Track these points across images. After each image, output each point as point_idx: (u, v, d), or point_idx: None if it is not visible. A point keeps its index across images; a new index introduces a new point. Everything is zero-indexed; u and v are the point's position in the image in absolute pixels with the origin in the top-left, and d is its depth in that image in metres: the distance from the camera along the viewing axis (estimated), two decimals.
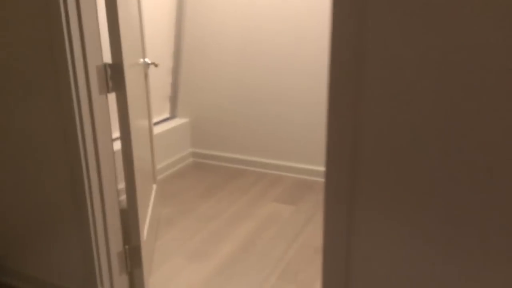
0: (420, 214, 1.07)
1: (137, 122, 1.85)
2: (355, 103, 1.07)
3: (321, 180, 3.02)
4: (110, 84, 1.58)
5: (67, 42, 1.41)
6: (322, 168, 3.01)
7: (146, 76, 2.42)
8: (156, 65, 2.23)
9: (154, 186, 2.47)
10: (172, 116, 3.42)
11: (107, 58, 1.63)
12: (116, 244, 1.74)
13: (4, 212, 1.83)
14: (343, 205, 1.14)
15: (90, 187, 1.57)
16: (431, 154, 1.02)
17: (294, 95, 2.97)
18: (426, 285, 1.12)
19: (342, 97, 1.08)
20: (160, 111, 3.31)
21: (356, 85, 1.04)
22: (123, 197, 2.59)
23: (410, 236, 1.10)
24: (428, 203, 1.05)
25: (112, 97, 1.91)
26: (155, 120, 3.25)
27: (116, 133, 2.62)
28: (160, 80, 3.25)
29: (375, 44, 1.00)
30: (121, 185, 2.65)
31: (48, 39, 1.44)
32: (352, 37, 1.02)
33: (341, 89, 1.07)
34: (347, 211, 1.14)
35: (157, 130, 3.12)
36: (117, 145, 2.33)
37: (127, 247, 1.79)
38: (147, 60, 2.29)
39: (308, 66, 2.88)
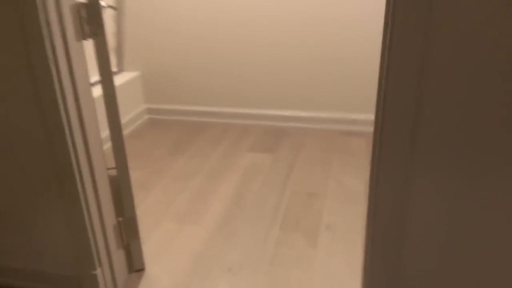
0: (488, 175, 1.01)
1: None
2: (423, 46, 0.94)
3: (294, 125, 2.92)
4: (87, 29, 1.29)
5: None
6: (293, 113, 2.90)
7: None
8: (115, 9, 1.91)
9: None
10: (119, 70, 3.07)
11: None
12: (110, 216, 1.52)
13: None
14: (401, 152, 1.04)
15: (75, 150, 1.31)
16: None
17: (257, 37, 2.77)
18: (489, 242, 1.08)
19: (409, 40, 0.94)
20: None
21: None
22: None
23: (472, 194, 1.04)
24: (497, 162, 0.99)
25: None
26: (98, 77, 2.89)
27: None
28: None
29: None
30: None
31: None
32: None
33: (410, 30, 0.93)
34: (405, 160, 1.04)
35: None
36: None
37: (121, 219, 1.58)
38: (102, 3, 1.95)
39: (273, 3, 2.68)
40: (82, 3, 1.27)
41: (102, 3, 1.98)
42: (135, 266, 1.69)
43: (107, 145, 2.11)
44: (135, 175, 2.38)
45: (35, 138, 1.32)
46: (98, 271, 1.48)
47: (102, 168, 1.45)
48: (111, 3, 2.91)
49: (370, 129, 2.80)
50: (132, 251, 1.66)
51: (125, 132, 2.92)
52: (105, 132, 1.78)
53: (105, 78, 1.38)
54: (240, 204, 2.09)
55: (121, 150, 1.49)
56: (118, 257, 1.59)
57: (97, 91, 1.55)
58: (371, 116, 2.78)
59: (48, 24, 1.16)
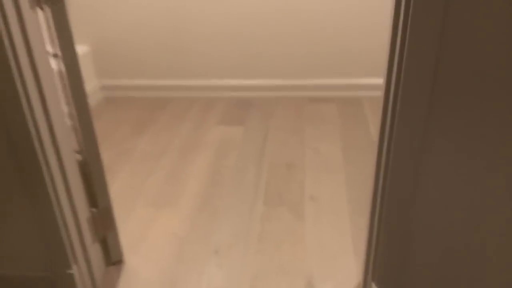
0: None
1: None
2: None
3: (260, 94, 2.79)
4: None
5: None
6: (258, 82, 2.77)
7: None
8: None
9: None
10: None
11: None
12: (83, 207, 1.35)
13: None
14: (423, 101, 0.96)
15: (37, 130, 1.12)
16: None
17: (217, 4, 2.59)
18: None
19: None
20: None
21: None
22: None
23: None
24: None
25: None
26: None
27: None
28: None
29: None
30: None
31: None
32: None
33: None
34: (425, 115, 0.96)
35: None
36: None
37: (94, 210, 1.41)
38: None
39: None
40: None
41: None
42: (113, 258, 1.54)
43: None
44: None
45: None
46: (74, 269, 1.33)
47: (69, 151, 1.28)
48: None
49: (339, 93, 2.73)
50: (108, 243, 1.51)
51: None
52: None
53: (67, 48, 1.19)
54: (218, 182, 1.97)
55: (90, 129, 1.32)
56: (95, 251, 1.43)
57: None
58: (339, 81, 2.71)
59: None
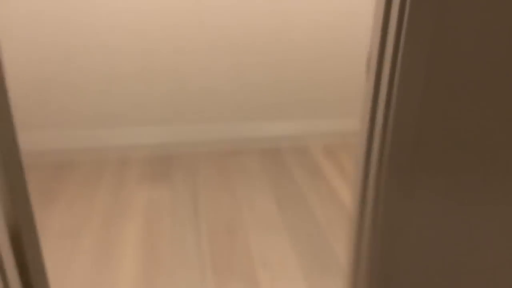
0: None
1: None
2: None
3: (179, 149, 2.64)
4: None
5: None
6: (177, 139, 2.62)
7: None
8: None
9: None
10: None
11: None
12: None
13: None
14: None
15: None
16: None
17: (124, 43, 2.41)
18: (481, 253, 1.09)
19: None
20: None
21: None
22: None
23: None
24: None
25: None
26: None
27: None
28: None
29: None
30: None
31: None
32: None
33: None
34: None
35: None
36: None
37: None
38: None
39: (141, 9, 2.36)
40: None
41: None
42: None
43: None
44: None
45: None
46: None
47: (6, 239, 1.01)
48: None
49: (258, 145, 2.73)
50: None
51: None
52: None
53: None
54: (157, 258, 1.77)
55: (33, 232, 1.07)
56: None
57: None
58: (259, 133, 2.71)
59: None
